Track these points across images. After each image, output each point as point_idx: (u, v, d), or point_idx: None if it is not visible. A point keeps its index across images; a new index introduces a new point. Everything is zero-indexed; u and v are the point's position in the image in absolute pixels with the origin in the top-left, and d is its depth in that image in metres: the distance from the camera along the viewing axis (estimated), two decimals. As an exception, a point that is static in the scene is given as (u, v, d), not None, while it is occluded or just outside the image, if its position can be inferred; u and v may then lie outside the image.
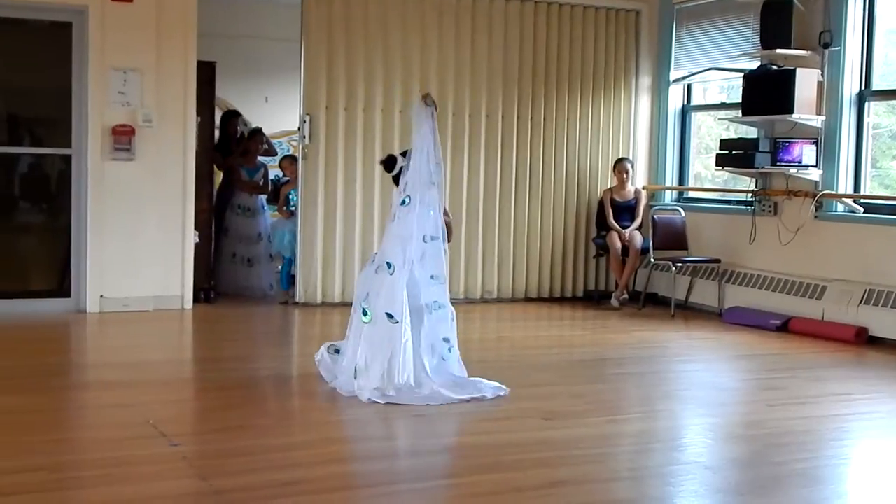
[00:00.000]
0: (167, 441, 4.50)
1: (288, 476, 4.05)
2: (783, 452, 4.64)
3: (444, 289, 5.60)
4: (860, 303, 7.70)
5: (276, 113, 10.90)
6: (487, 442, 4.78)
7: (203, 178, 8.75)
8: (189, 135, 8.34)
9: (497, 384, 5.58)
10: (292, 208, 9.19)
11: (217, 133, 9.61)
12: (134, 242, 8.14)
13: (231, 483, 3.94)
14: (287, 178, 9.43)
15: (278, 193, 9.50)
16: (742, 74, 8.58)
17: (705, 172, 10.07)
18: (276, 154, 10.06)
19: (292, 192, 9.21)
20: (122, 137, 8.02)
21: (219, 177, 9.53)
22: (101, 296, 8.09)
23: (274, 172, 10.02)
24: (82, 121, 8.04)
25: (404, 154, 5.72)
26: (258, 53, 10.77)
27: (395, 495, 3.95)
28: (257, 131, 9.78)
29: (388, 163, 5.78)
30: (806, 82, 8.09)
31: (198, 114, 8.48)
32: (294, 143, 10.23)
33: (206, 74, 8.79)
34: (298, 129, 8.85)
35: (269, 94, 11.06)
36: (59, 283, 8.33)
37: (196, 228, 8.49)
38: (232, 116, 9.93)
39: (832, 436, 5.05)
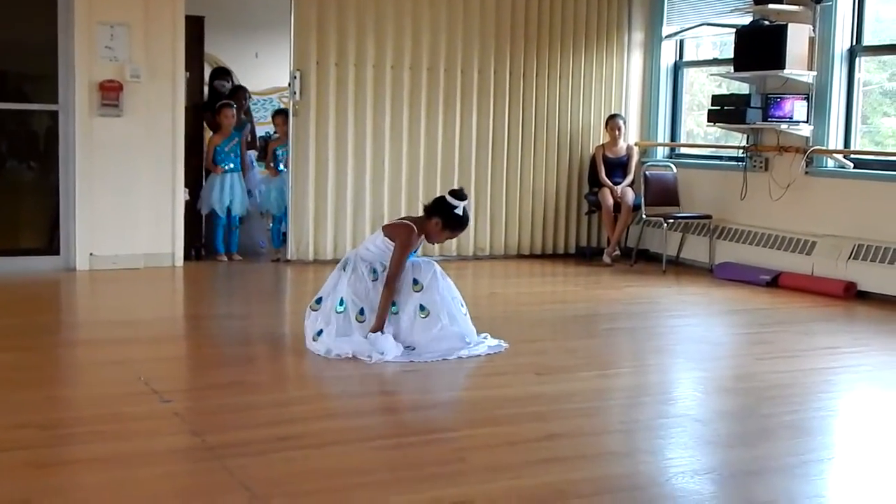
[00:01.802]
0: (159, 398, 4.51)
1: (282, 431, 4.07)
2: (772, 405, 4.68)
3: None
4: (849, 258, 7.74)
5: (267, 69, 10.82)
6: (481, 396, 4.80)
7: (192, 135, 8.69)
8: (178, 91, 8.27)
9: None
10: (280, 167, 9.14)
11: (206, 90, 9.54)
12: (123, 200, 8.10)
13: (225, 438, 3.94)
14: (277, 135, 9.38)
15: (267, 150, 9.45)
16: (734, 30, 8.54)
17: (697, 129, 10.05)
18: (250, 121, 9.81)
19: (279, 148, 9.18)
20: (110, 93, 7.95)
21: (208, 134, 9.47)
22: (91, 254, 8.07)
23: (265, 129, 9.97)
24: (69, 76, 7.95)
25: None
26: (248, 8, 10.66)
27: (390, 449, 3.97)
28: (238, 89, 9.69)
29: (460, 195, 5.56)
30: (797, 38, 8.06)
31: (187, 69, 8.41)
32: (285, 100, 10.16)
33: (195, 30, 8.72)
34: (289, 85, 8.79)
35: (259, 50, 10.96)
36: (48, 241, 8.30)
37: (186, 186, 8.45)
38: (221, 74, 9.85)
39: (820, 388, 5.09)
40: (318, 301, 5.51)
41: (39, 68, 8.29)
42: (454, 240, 9.18)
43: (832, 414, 4.73)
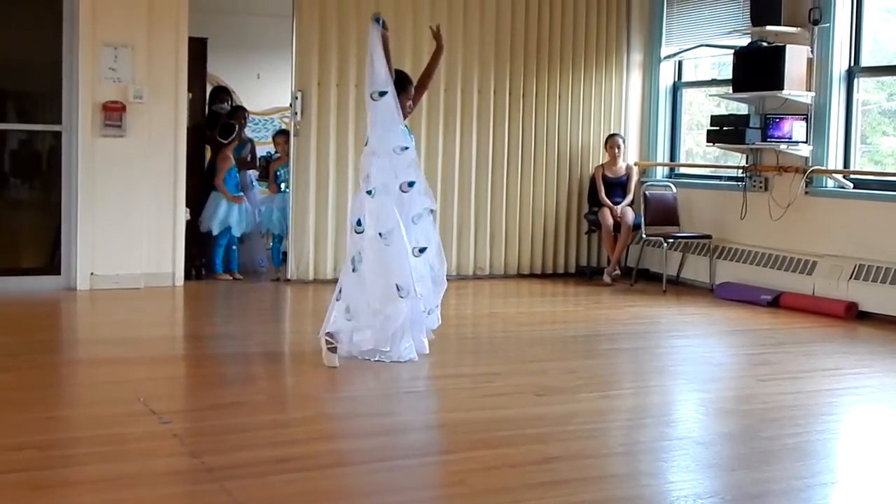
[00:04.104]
0: (158, 418, 4.50)
1: (281, 453, 4.05)
2: (774, 427, 4.66)
3: None
4: (850, 278, 7.73)
5: (268, 90, 10.85)
6: (481, 418, 4.78)
7: (194, 155, 8.72)
8: (180, 111, 8.30)
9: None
10: (281, 187, 9.16)
11: (207, 110, 9.55)
12: (125, 219, 8.11)
13: (223, 460, 3.93)
14: (278, 155, 9.39)
15: (268, 170, 9.47)
16: (733, 51, 8.57)
17: (696, 149, 10.07)
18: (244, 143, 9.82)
19: (280, 168, 9.20)
20: (113, 114, 7.98)
21: (209, 154, 9.48)
22: (92, 273, 8.07)
23: (266, 149, 9.99)
24: (73, 97, 7.99)
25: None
26: (250, 29, 10.71)
27: (389, 471, 3.96)
28: (237, 109, 9.71)
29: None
30: (796, 59, 8.09)
31: (189, 90, 8.44)
32: (286, 120, 10.19)
33: (198, 51, 8.76)
34: (290, 105, 8.81)
35: (261, 71, 11.00)
36: (49, 260, 8.30)
37: (187, 205, 8.46)
38: (219, 94, 9.87)
39: (823, 410, 5.07)
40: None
41: (43, 89, 8.32)
42: (454, 258, 9.19)
43: (835, 436, 4.72)
